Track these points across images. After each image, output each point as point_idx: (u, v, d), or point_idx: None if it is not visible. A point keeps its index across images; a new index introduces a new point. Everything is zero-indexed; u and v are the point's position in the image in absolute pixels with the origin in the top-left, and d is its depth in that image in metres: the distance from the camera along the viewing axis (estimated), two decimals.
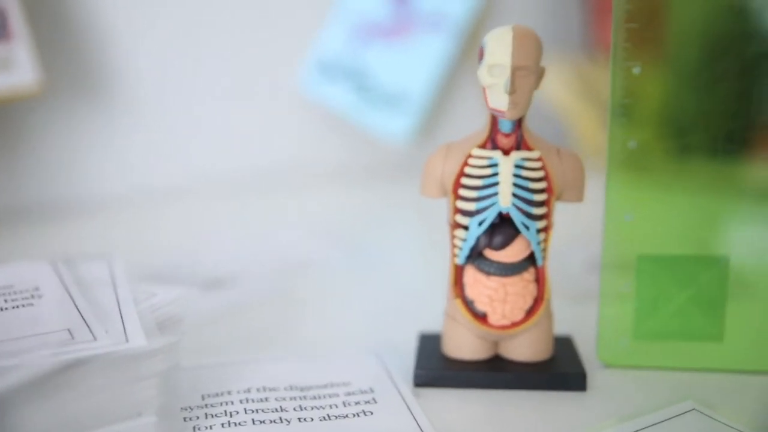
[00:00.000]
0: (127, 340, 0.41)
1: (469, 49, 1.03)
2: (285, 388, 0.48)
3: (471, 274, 0.49)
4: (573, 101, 1.01)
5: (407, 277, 0.71)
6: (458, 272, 0.49)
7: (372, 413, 0.46)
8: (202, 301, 0.60)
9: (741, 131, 0.50)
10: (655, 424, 0.45)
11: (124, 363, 0.41)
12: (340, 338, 0.57)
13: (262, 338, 0.57)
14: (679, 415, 0.46)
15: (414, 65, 1.02)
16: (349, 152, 1.04)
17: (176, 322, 0.46)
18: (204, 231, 0.84)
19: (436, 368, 0.49)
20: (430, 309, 0.55)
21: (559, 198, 0.49)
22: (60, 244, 0.78)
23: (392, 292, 0.67)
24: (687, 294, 0.51)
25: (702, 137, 0.50)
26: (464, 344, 0.50)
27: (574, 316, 0.56)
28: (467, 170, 0.48)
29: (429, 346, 0.52)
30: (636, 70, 0.49)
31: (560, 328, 0.53)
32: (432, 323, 0.54)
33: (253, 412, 0.45)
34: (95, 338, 0.41)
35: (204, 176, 0.97)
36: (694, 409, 0.46)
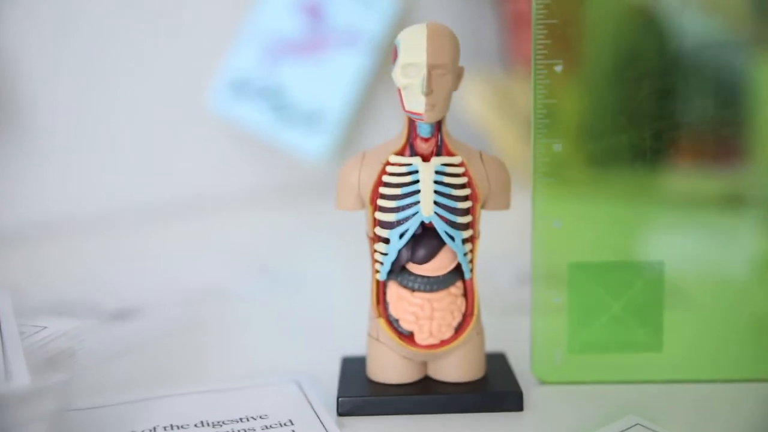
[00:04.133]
0: (8, 379, 0.36)
1: (385, 65, 1.01)
2: (196, 425, 0.44)
3: (394, 291, 0.46)
4: (492, 115, 0.99)
5: (328, 299, 0.67)
6: (380, 289, 0.46)
7: None
8: (107, 334, 0.56)
9: (667, 131, 0.48)
10: None
11: (5, 404, 0.36)
12: (258, 367, 0.52)
13: (173, 371, 0.52)
14: (624, 430, 0.43)
15: (330, 82, 1.00)
16: (263, 173, 1.01)
17: (69, 357, 0.41)
18: (112, 261, 0.79)
19: (360, 395, 0.46)
20: (353, 331, 0.52)
21: (484, 205, 0.46)
22: None
23: (313, 315, 0.63)
24: (621, 303, 0.48)
25: (629, 138, 0.48)
26: (390, 367, 0.46)
27: (507, 331, 0.53)
28: (385, 179, 0.44)
29: (353, 370, 0.49)
30: (558, 68, 0.46)
31: (493, 345, 0.50)
32: (356, 346, 0.50)
33: None
34: None
35: (111, 203, 0.93)
36: (638, 423, 0.44)
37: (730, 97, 0.49)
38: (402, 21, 1.01)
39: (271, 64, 0.99)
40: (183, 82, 0.97)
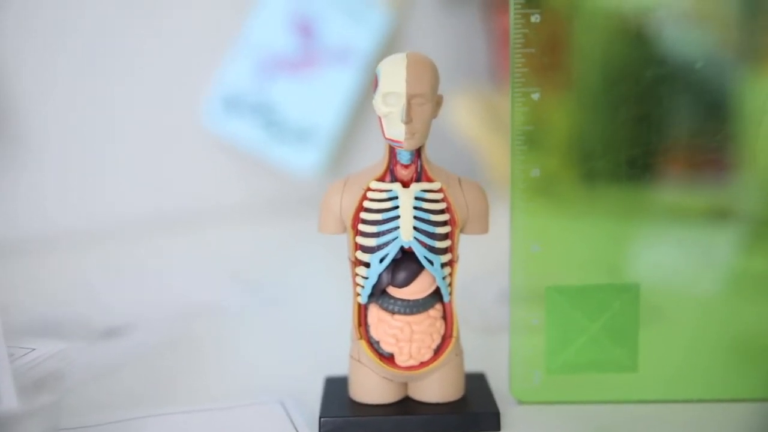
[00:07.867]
0: None
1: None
2: None
3: (375, 314, 0.47)
4: (481, 132, 1.00)
5: (315, 318, 0.68)
6: (362, 312, 0.47)
7: None
8: (93, 354, 0.56)
9: (642, 156, 0.49)
10: None
11: None
12: (243, 386, 0.53)
13: (157, 391, 0.53)
14: None
15: (322, 99, 1.01)
16: (254, 189, 1.02)
17: (57, 379, 0.42)
18: (100, 276, 0.79)
19: (342, 415, 0.47)
20: (338, 351, 0.53)
21: (462, 230, 0.47)
22: None
23: (299, 334, 0.64)
24: (598, 324, 0.49)
25: (605, 163, 0.49)
26: (371, 388, 0.47)
27: (488, 351, 0.54)
28: (366, 204, 0.46)
29: (336, 391, 0.49)
30: (535, 96, 0.48)
31: (473, 365, 0.51)
32: (341, 366, 0.51)
33: None
34: None
35: (102, 218, 0.93)
36: None
37: (716, 113, 0.50)
38: (393, 39, 1.03)
39: (263, 81, 1.00)
40: (176, 97, 0.98)
